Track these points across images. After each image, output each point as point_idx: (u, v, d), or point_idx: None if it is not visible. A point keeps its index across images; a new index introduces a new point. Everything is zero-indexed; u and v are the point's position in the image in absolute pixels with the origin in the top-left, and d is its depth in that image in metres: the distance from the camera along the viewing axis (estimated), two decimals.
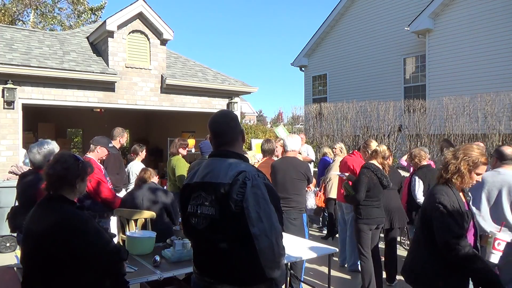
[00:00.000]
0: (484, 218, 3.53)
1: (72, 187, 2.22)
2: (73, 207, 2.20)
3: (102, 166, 4.67)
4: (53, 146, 3.47)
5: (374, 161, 4.42)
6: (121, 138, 5.63)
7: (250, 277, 1.95)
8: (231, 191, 1.90)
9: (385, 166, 4.59)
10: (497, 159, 3.67)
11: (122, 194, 5.35)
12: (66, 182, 2.20)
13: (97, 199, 4.30)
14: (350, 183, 4.50)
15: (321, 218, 7.96)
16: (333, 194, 6.71)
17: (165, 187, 5.69)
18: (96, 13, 21.68)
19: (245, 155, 2.16)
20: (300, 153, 6.46)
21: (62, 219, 2.09)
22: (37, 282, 2.10)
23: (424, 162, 5.25)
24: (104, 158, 4.79)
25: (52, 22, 21.48)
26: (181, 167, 5.85)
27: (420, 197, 5.03)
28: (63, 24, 21.04)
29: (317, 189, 7.14)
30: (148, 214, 4.02)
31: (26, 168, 5.78)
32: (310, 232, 7.37)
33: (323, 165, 7.66)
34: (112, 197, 4.44)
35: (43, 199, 2.21)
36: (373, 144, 4.44)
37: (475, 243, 2.65)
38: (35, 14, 20.63)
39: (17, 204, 3.49)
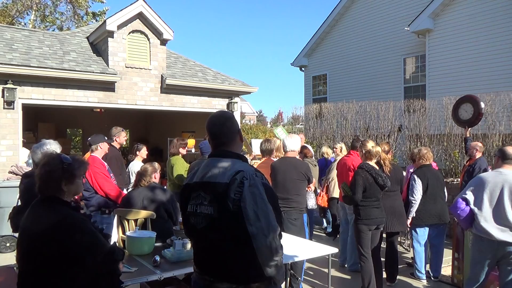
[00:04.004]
0: (486, 219, 3.53)
1: (59, 189, 2.18)
2: (67, 208, 2.19)
3: (105, 163, 4.73)
4: (55, 147, 3.47)
5: (369, 161, 4.43)
6: (118, 137, 5.55)
7: (249, 276, 1.96)
8: (229, 191, 1.92)
9: (384, 166, 4.59)
10: (499, 158, 3.68)
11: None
12: (51, 185, 2.17)
13: (101, 194, 4.55)
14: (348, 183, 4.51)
15: (323, 219, 7.97)
16: (335, 193, 6.71)
17: (165, 187, 5.68)
18: (97, 18, 21.60)
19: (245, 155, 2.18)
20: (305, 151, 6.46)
21: (58, 220, 2.08)
22: (32, 282, 2.10)
23: (427, 162, 5.24)
24: (107, 151, 4.84)
25: (51, 24, 21.48)
26: (180, 166, 5.86)
27: (418, 196, 5.01)
28: (62, 29, 21.04)
29: (319, 190, 7.13)
30: (147, 213, 4.02)
31: (27, 168, 5.79)
32: (315, 230, 7.38)
33: (320, 166, 7.66)
34: (115, 192, 4.55)
35: (37, 200, 2.20)
36: (369, 145, 4.45)
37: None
38: (36, 15, 20.62)
39: (19, 203, 3.50)
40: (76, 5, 20.87)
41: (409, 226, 5.13)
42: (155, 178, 4.38)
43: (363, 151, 4.48)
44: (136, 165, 6.08)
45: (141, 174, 4.30)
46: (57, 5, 21.36)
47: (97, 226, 2.40)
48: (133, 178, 5.90)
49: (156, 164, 4.48)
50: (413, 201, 5.02)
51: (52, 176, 2.16)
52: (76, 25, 21.16)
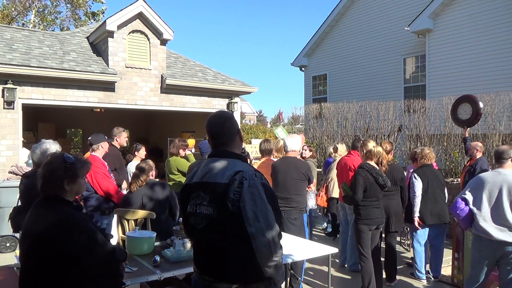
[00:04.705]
0: (485, 219, 3.54)
1: (61, 188, 2.18)
2: (69, 207, 2.19)
3: (105, 162, 4.74)
4: (54, 146, 3.47)
5: (369, 161, 4.43)
6: (119, 137, 5.55)
7: (249, 276, 1.96)
8: (228, 191, 1.92)
9: (382, 166, 4.59)
10: (495, 159, 3.72)
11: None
12: (53, 184, 2.17)
13: (101, 193, 4.54)
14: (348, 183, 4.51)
15: (326, 219, 7.99)
16: (335, 193, 6.71)
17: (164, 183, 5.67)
18: (95, 18, 21.64)
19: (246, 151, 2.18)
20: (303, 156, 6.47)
21: (58, 220, 2.09)
22: (33, 282, 2.10)
23: (428, 162, 5.24)
24: (107, 151, 4.85)
25: (51, 23, 21.51)
26: (183, 164, 5.88)
27: (418, 194, 5.00)
28: (62, 29, 21.06)
29: (318, 191, 7.13)
30: (147, 213, 4.02)
31: (27, 168, 5.79)
32: (314, 231, 7.39)
33: (327, 166, 7.66)
34: (114, 191, 4.55)
35: (39, 199, 2.20)
36: (370, 145, 4.45)
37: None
38: (36, 14, 20.64)
39: (19, 204, 3.50)
40: (76, 5, 20.88)
41: (417, 225, 5.06)
42: (152, 175, 4.37)
43: (364, 151, 4.47)
44: (134, 166, 6.08)
45: (138, 173, 4.27)
46: (56, 5, 21.38)
47: (99, 226, 2.41)
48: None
49: (150, 162, 4.47)
50: (415, 199, 5.01)
51: (55, 175, 2.17)
52: (75, 24, 21.18)
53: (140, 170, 4.27)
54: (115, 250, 2.29)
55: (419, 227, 5.08)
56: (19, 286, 2.17)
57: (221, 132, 2.12)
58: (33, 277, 2.10)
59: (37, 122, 12.01)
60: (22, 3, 19.92)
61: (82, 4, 20.95)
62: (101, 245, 2.18)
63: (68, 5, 21.13)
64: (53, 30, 20.45)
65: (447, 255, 5.38)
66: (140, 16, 8.87)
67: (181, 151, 6.04)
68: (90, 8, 21.61)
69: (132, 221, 4.07)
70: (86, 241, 2.10)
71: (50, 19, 21.54)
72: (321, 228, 8.13)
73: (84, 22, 21.31)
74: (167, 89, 9.28)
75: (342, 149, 6.73)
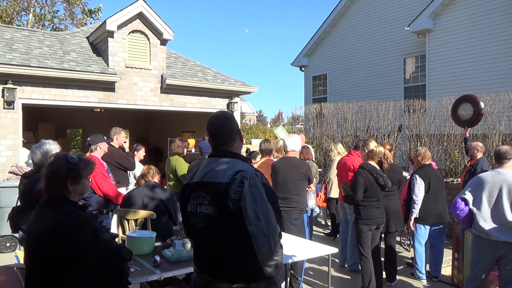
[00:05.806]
0: (485, 219, 3.54)
1: (65, 189, 2.18)
2: (73, 206, 2.19)
3: (104, 163, 4.74)
4: (54, 147, 3.48)
5: (370, 161, 4.43)
6: (118, 136, 5.56)
7: (249, 275, 1.97)
8: (229, 190, 1.92)
9: (386, 163, 4.59)
10: (496, 159, 3.72)
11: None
12: (57, 184, 2.17)
13: (99, 194, 4.54)
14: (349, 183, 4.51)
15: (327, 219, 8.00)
16: (334, 194, 6.71)
17: (165, 187, 5.69)
18: (93, 16, 21.67)
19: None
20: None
21: (61, 219, 2.09)
22: (39, 282, 2.10)
23: (427, 162, 5.24)
24: (106, 151, 4.87)
25: (50, 23, 21.53)
26: (182, 166, 5.87)
27: (420, 196, 5.00)
28: (55, 29, 21.08)
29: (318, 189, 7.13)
30: (147, 213, 4.02)
31: (27, 168, 5.79)
32: (315, 231, 7.38)
33: None
34: (114, 192, 4.56)
35: (43, 200, 2.20)
36: (372, 144, 4.45)
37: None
38: (34, 15, 20.66)
39: (18, 204, 3.50)
40: (73, 3, 20.86)
41: (411, 227, 5.11)
42: (157, 179, 4.42)
43: (366, 151, 4.47)
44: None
45: (143, 174, 4.37)
46: (54, 3, 21.40)
47: (104, 226, 2.41)
48: (130, 178, 5.92)
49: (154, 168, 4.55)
50: (416, 201, 5.01)
51: (58, 176, 2.16)
52: (72, 23, 21.21)
53: (144, 174, 4.39)
54: (121, 249, 2.29)
55: (412, 228, 5.12)
56: (25, 286, 2.17)
57: (221, 132, 2.13)
58: (39, 277, 2.10)
59: (37, 122, 12.01)
60: (18, 2, 19.91)
61: (78, 1, 20.95)
62: (106, 244, 2.18)
63: (64, 4, 21.15)
64: (52, 30, 20.46)
65: (447, 255, 5.38)
66: (140, 16, 8.87)
67: (185, 150, 6.08)
68: (86, 6, 21.63)
69: (132, 221, 4.07)
70: (91, 240, 2.10)
71: (48, 17, 21.55)
72: (324, 227, 8.11)
73: (81, 20, 21.31)
74: (167, 89, 9.28)
75: (341, 149, 6.73)
